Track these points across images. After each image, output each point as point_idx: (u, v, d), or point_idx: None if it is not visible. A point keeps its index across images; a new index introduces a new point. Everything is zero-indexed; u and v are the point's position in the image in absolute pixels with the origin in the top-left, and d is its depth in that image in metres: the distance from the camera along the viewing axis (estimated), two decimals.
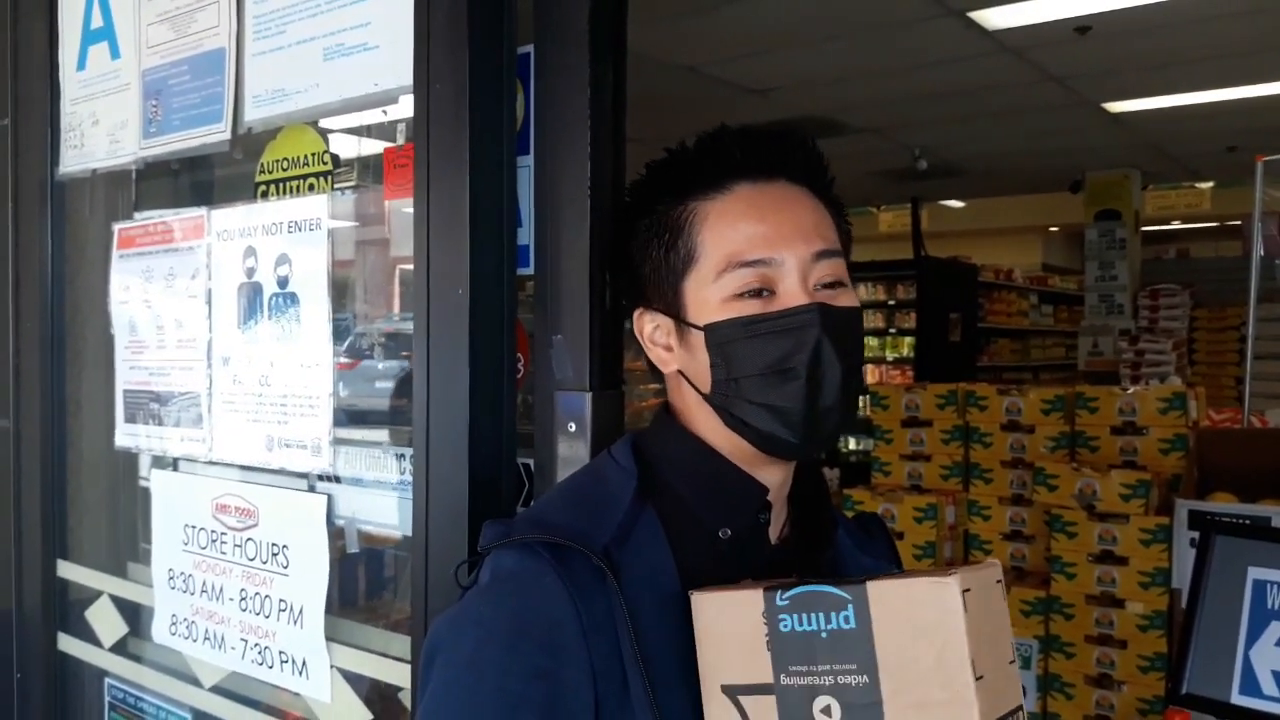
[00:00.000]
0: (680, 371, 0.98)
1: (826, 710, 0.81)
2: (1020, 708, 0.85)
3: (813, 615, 0.81)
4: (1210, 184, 10.36)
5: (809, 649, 0.81)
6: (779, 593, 0.83)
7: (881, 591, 0.79)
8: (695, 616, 0.86)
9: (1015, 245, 13.19)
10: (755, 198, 0.94)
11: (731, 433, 0.95)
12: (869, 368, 9.25)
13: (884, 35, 5.19)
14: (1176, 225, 12.63)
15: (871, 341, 9.29)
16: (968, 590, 0.78)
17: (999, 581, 0.86)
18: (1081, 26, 5.06)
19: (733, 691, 0.84)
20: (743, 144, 0.95)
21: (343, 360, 1.60)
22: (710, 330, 0.92)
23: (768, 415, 0.91)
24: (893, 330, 9.21)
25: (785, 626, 0.82)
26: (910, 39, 5.23)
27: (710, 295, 0.93)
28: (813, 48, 5.39)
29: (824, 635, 0.81)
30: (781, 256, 0.91)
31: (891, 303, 9.18)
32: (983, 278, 9.91)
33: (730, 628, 0.85)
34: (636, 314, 1.02)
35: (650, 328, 1.00)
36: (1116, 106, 6.83)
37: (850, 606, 0.80)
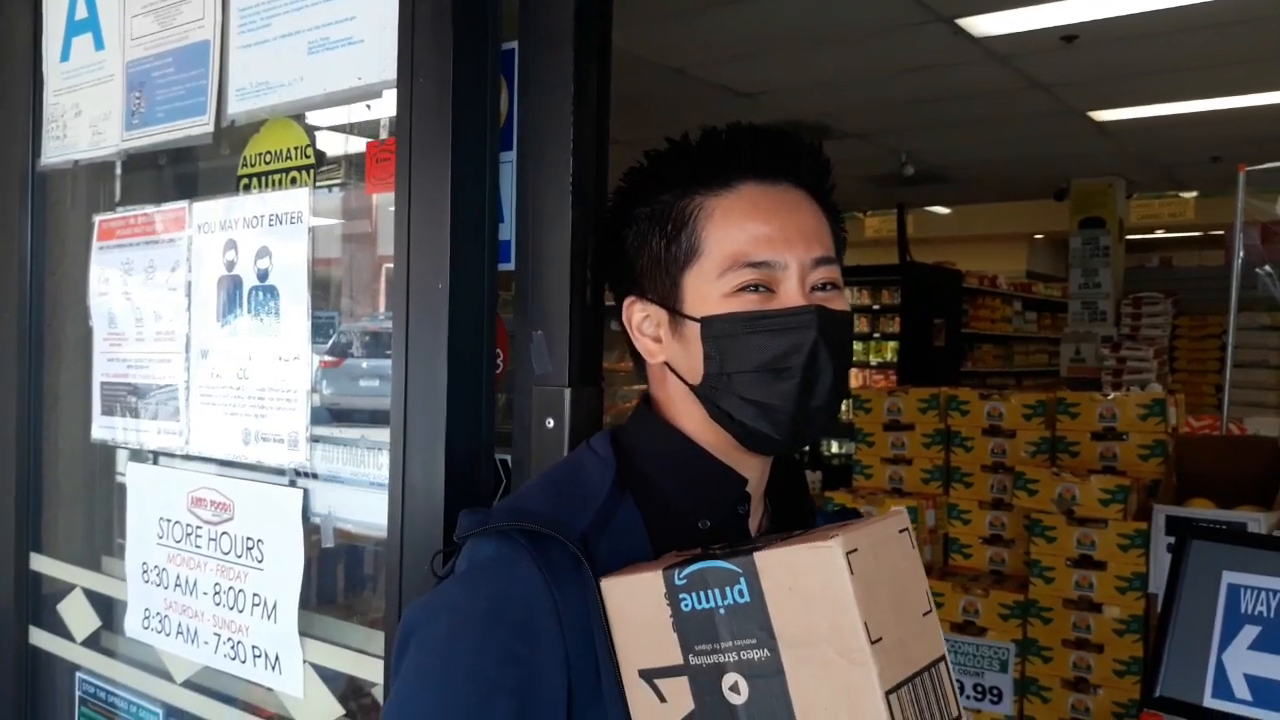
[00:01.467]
0: (667, 363, 0.98)
1: (735, 688, 0.79)
2: (942, 658, 0.83)
3: (709, 592, 0.80)
4: (1194, 194, 10.43)
5: (711, 627, 0.80)
6: (676, 571, 0.81)
7: (769, 562, 0.78)
8: (606, 603, 0.85)
9: (1000, 252, 13.24)
10: (761, 198, 0.95)
11: (713, 425, 0.96)
12: (853, 372, 9.26)
13: (872, 40, 5.21)
14: (1160, 234, 12.72)
15: (856, 346, 9.29)
16: (854, 551, 0.76)
17: (903, 531, 0.84)
18: (1068, 35, 5.10)
19: (649, 675, 0.83)
20: (754, 142, 0.96)
21: (326, 358, 1.59)
22: (707, 323, 0.93)
23: (756, 411, 0.92)
24: (877, 335, 9.23)
25: (686, 606, 0.81)
26: (898, 44, 5.25)
27: (710, 290, 0.93)
28: (801, 52, 5.41)
29: (722, 611, 0.79)
30: (784, 259, 0.93)
31: (876, 307, 9.20)
32: (967, 284, 9.95)
33: (638, 612, 0.83)
34: (627, 302, 1.02)
35: (640, 317, 1.00)
36: (1102, 115, 6.88)
37: (742, 580, 0.79)
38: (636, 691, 0.84)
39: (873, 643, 0.75)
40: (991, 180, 9.56)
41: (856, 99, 6.38)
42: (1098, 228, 9.07)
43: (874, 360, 9.27)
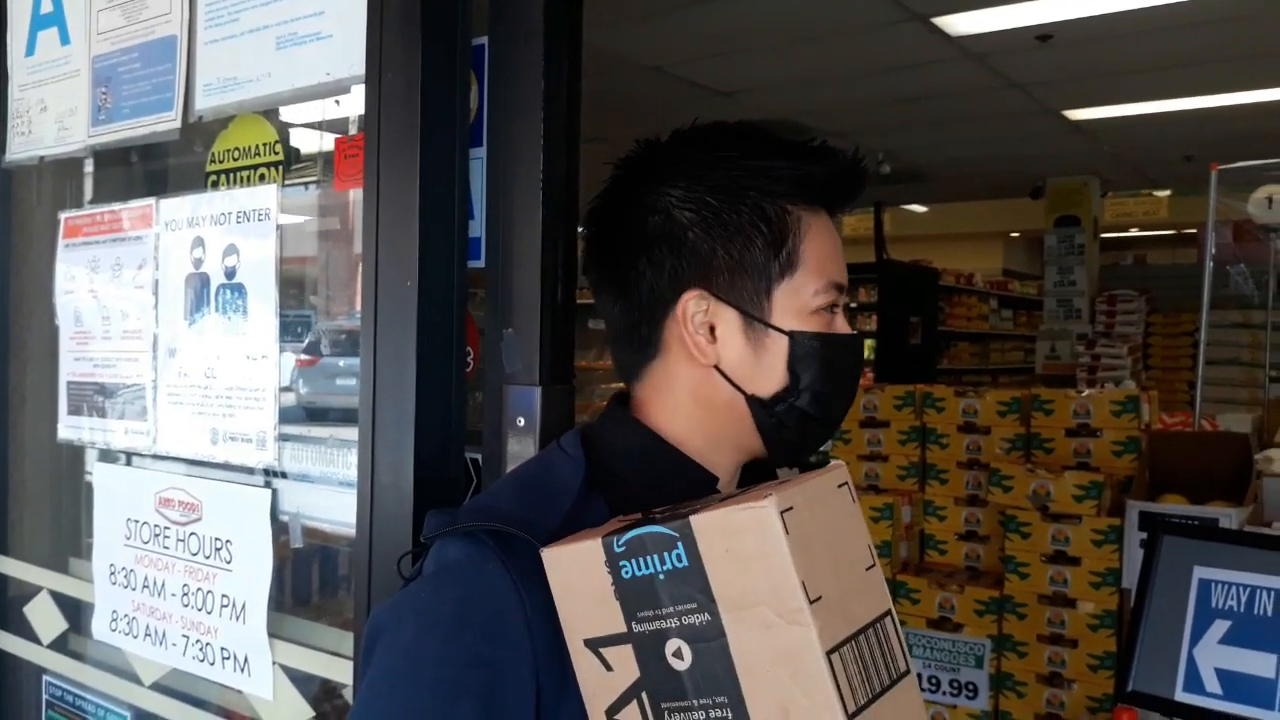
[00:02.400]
0: (718, 366, 0.95)
1: (678, 654, 0.78)
2: (888, 613, 0.82)
3: (648, 558, 0.79)
4: (1168, 192, 10.54)
5: (652, 593, 0.79)
6: (615, 539, 0.80)
7: (705, 524, 0.77)
8: (548, 574, 0.84)
9: (976, 250, 13.33)
10: (830, 225, 0.98)
11: (704, 428, 0.96)
12: None
13: (849, 39, 5.22)
14: (1134, 232, 12.84)
15: None
16: (789, 510, 0.75)
17: (842, 485, 0.83)
18: (1043, 34, 5.12)
19: (594, 645, 0.82)
20: (847, 171, 0.98)
21: (302, 357, 1.58)
22: (797, 338, 0.94)
23: (809, 424, 0.95)
24: None
25: (627, 573, 0.80)
26: (874, 43, 5.26)
27: (799, 305, 0.94)
28: (778, 50, 5.41)
29: (661, 577, 0.79)
30: (845, 286, 0.98)
31: (853, 305, 9.14)
32: (944, 282, 10.00)
33: (580, 581, 0.82)
34: (689, 295, 0.94)
35: (697, 311, 0.95)
36: (1077, 114, 6.92)
37: (679, 544, 0.78)
38: (583, 660, 0.83)
39: (811, 602, 0.74)
40: (968, 179, 9.61)
41: (833, 97, 6.39)
42: (1073, 226, 9.14)
43: None
